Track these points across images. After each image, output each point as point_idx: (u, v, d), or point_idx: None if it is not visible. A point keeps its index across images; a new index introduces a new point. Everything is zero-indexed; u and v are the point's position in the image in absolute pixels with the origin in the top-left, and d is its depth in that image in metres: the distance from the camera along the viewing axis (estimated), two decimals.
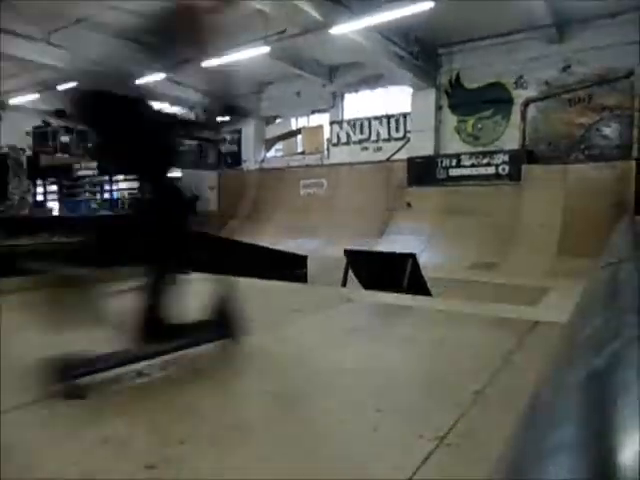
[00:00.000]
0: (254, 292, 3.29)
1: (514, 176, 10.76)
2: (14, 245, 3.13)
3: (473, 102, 11.94)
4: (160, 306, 1.59)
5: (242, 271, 3.82)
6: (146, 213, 1.90)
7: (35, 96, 14.13)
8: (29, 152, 14.74)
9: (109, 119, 1.74)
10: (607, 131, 10.35)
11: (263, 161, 16.17)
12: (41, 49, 10.72)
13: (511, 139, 11.45)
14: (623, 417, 0.22)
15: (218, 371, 1.61)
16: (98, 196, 14.10)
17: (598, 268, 0.69)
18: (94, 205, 13.63)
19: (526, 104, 11.28)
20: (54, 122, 15.16)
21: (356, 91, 14.29)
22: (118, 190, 14.28)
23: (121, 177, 13.87)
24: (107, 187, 14.23)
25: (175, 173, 14.50)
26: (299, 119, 15.90)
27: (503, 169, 11.06)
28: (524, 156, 10.97)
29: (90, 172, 13.82)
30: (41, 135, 14.84)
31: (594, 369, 0.28)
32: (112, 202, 14.00)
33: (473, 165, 11.50)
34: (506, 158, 11.06)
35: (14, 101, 14.53)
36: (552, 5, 9.18)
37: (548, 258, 8.30)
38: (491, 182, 11.04)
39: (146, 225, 1.82)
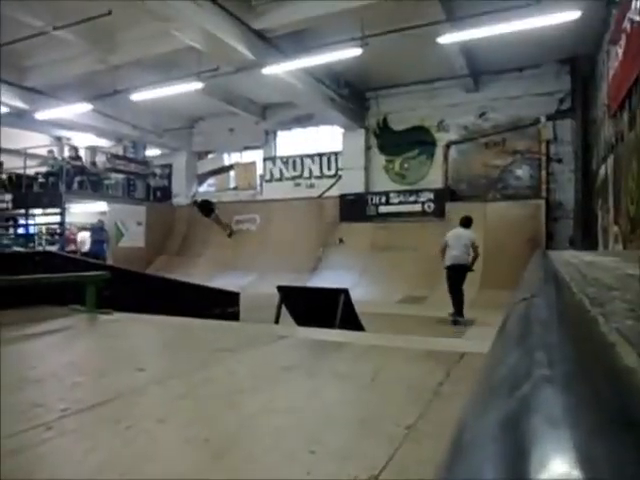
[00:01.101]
0: (181, 331, 3.15)
1: (438, 213, 11.37)
2: None
3: (400, 143, 12.61)
4: None
5: (170, 310, 3.65)
6: None
7: None
8: None
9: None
10: (519, 172, 11.31)
11: (195, 196, 15.88)
12: None
13: (435, 178, 12.15)
14: (534, 470, 0.21)
15: (140, 420, 1.49)
16: (10, 231, 13.04)
17: (513, 303, 0.73)
18: (6, 241, 12.59)
19: (448, 146, 12.09)
20: None
21: (289, 129, 14.60)
22: (35, 225, 13.32)
23: (39, 211, 13.00)
24: (22, 221, 13.23)
25: (100, 207, 13.86)
26: (232, 155, 15.91)
27: (428, 206, 11.65)
28: (447, 194, 11.66)
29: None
30: None
31: (507, 415, 0.28)
32: (27, 237, 13.01)
33: (401, 202, 12.02)
34: (431, 196, 11.69)
35: None
36: (468, 57, 10.07)
37: (472, 291, 8.71)
38: (417, 219, 11.57)
39: None
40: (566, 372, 0.33)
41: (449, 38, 7.99)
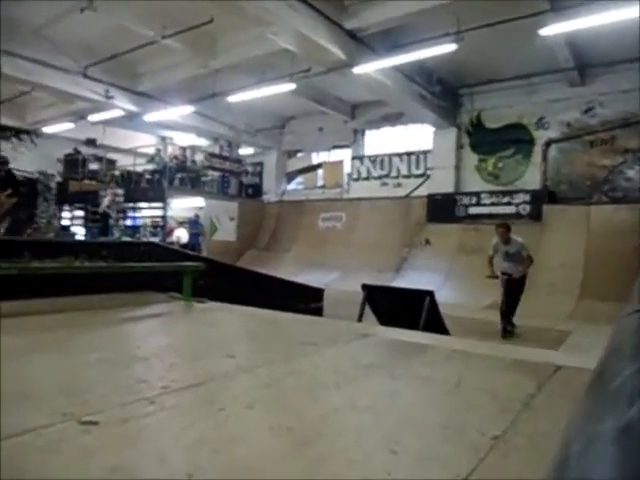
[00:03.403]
0: (268, 323, 3.28)
1: (535, 216, 10.67)
2: (38, 267, 3.20)
3: (494, 142, 12.01)
4: None
5: (258, 302, 3.82)
6: None
7: (69, 125, 14.71)
8: (59, 178, 15.23)
9: None
10: (631, 173, 10.25)
11: (284, 193, 16.39)
12: (76, 81, 11.21)
13: (532, 179, 11.42)
14: None
15: (231, 403, 1.59)
16: (121, 222, 14.38)
17: (625, 315, 0.67)
18: (117, 232, 13.90)
19: (547, 145, 11.30)
20: (84, 150, 15.70)
21: (377, 128, 14.53)
22: (141, 217, 14.56)
23: (145, 205, 14.18)
24: (130, 214, 14.52)
25: (197, 202, 14.81)
26: (320, 154, 16.18)
27: (524, 208, 10.98)
28: (545, 196, 10.90)
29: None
30: (71, 162, 15.36)
31: (628, 421, 0.27)
32: (134, 228, 14.27)
33: (493, 204, 11.45)
34: (527, 198, 11.00)
35: (48, 129, 15.15)
36: (574, 49, 9.31)
37: (570, 300, 8.11)
38: (511, 221, 10.94)
39: None
40: None
41: (553, 29, 7.46)
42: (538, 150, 11.42)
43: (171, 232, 13.98)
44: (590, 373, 0.62)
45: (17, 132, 14.45)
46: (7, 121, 14.54)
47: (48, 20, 9.79)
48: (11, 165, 11.48)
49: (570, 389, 1.90)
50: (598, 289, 7.96)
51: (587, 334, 5.72)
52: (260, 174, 17.19)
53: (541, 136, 11.40)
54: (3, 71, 9.98)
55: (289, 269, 11.44)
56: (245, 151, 17.51)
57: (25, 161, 14.39)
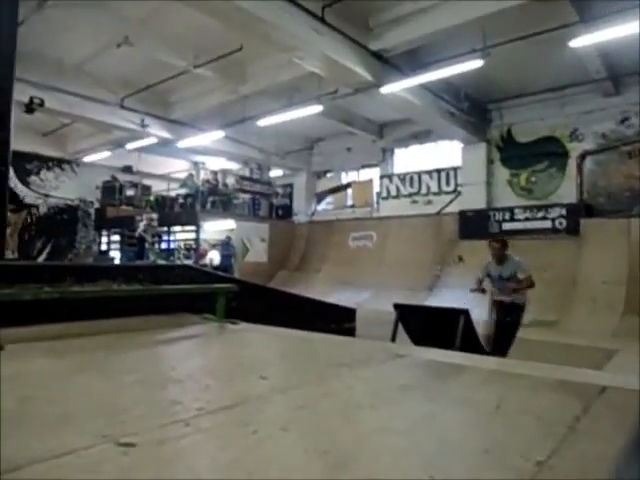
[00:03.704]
0: (300, 344, 3.27)
1: (572, 230, 10.36)
2: (78, 291, 3.31)
3: (526, 156, 11.82)
4: None
5: (290, 322, 3.82)
6: None
7: (106, 154, 15.33)
8: (97, 205, 15.84)
9: None
10: None
11: (314, 214, 16.48)
12: (114, 112, 11.72)
13: (567, 192, 11.14)
14: None
15: (265, 425, 1.58)
16: (156, 246, 14.75)
17: None
18: (152, 255, 14.25)
19: (582, 157, 11.03)
20: (121, 177, 16.31)
21: (406, 146, 14.53)
22: (175, 240, 14.90)
23: (178, 228, 14.53)
24: (165, 237, 14.89)
25: (228, 224, 15.07)
26: (349, 173, 16.26)
27: (560, 223, 10.68)
28: (582, 209, 10.58)
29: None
30: (109, 189, 15.95)
31: None
32: (168, 252, 14.60)
33: (527, 219, 11.19)
34: (563, 212, 10.70)
35: (87, 159, 15.83)
36: (606, 59, 9.13)
37: (614, 317, 7.77)
38: (547, 236, 10.65)
39: None
40: None
41: (583, 41, 7.35)
42: (573, 163, 11.15)
43: (204, 254, 14.24)
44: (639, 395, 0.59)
45: (59, 162, 15.18)
46: (50, 152, 15.33)
47: (88, 56, 10.35)
48: (54, 193, 12.18)
49: (617, 412, 1.81)
50: None
51: (633, 353, 5.45)
52: (290, 195, 17.39)
53: (575, 148, 11.14)
54: (48, 106, 10.55)
55: (320, 289, 11.43)
56: (275, 173, 17.80)
57: (66, 189, 15.05)
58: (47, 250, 14.30)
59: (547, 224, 10.83)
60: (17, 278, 3.20)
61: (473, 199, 12.29)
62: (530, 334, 7.39)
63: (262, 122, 11.68)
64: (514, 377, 2.38)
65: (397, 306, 5.19)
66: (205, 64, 9.84)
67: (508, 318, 5.48)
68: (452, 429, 1.65)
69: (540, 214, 11.00)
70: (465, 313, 4.61)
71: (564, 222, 10.60)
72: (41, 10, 7.76)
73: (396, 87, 8.99)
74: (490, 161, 12.38)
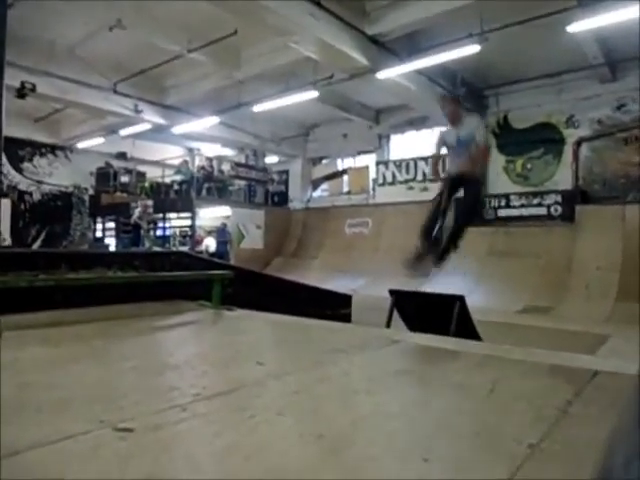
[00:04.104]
0: (296, 330, 3.29)
1: (567, 217, 10.40)
2: (74, 278, 3.30)
3: (522, 142, 11.80)
4: None
5: (285, 308, 3.84)
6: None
7: (100, 140, 15.18)
8: (91, 191, 15.73)
9: None
10: None
11: (309, 200, 16.44)
12: (107, 97, 11.58)
13: (563, 179, 11.15)
14: None
15: (262, 410, 1.59)
16: (151, 233, 14.71)
17: None
18: (147, 242, 14.22)
19: (578, 143, 11.03)
20: (115, 164, 16.18)
21: (402, 132, 14.47)
22: (171, 227, 14.86)
23: (174, 215, 14.47)
24: (160, 224, 14.84)
25: (224, 211, 15.02)
26: (345, 160, 16.19)
27: (555, 210, 10.72)
28: (578, 196, 10.62)
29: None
30: (103, 175, 15.84)
31: None
32: (164, 238, 14.57)
33: (523, 205, 11.22)
34: (559, 198, 10.73)
35: (81, 145, 15.67)
36: (603, 45, 9.08)
37: (607, 303, 7.84)
38: (542, 223, 10.69)
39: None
40: None
41: (581, 25, 7.30)
42: (569, 149, 11.14)
43: (200, 241, 14.21)
44: (630, 379, 0.60)
45: (53, 148, 15.02)
46: (43, 138, 15.14)
47: (80, 39, 10.18)
48: (48, 180, 12.12)
49: (609, 395, 1.83)
50: (636, 291, 7.67)
51: (626, 338, 5.52)
52: (286, 182, 17.33)
53: (571, 135, 11.13)
54: (40, 91, 10.40)
55: (316, 275, 11.46)
56: (270, 159, 17.70)
57: (60, 176, 14.91)
58: (41, 237, 14.23)
59: (542, 211, 10.87)
60: (12, 265, 3.19)
61: None
62: (524, 320, 7.47)
63: (257, 108, 11.58)
64: (508, 362, 2.40)
65: (392, 292, 5.22)
66: (199, 48, 9.71)
67: (468, 194, 4.76)
68: (446, 413, 1.67)
69: (535, 201, 11.03)
70: (460, 299, 4.64)
71: (559, 209, 10.64)
72: None
73: (392, 72, 8.92)
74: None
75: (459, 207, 4.95)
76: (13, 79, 9.37)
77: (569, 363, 2.37)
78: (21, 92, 10.14)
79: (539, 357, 2.53)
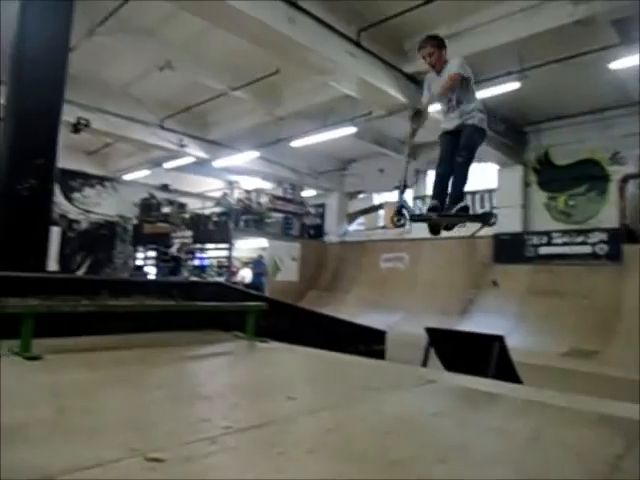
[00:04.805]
0: (329, 365, 3.24)
1: (613, 256, 9.97)
2: (114, 305, 3.39)
3: (564, 179, 11.53)
4: None
5: (319, 342, 3.80)
6: None
7: (145, 172, 15.86)
8: (135, 221, 16.33)
9: None
10: None
11: (345, 234, 16.48)
12: (154, 132, 12.15)
13: (608, 217, 10.77)
14: None
15: (291, 447, 1.56)
16: (189, 263, 15.03)
17: None
18: (185, 271, 14.53)
19: (624, 180, 10.67)
20: (159, 195, 16.80)
21: None
22: (208, 258, 15.15)
23: (212, 246, 14.79)
24: (198, 254, 15.16)
25: (261, 243, 15.23)
26: (381, 194, 16.22)
27: (601, 248, 10.30)
28: (625, 235, 10.19)
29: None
30: (147, 206, 16.44)
31: None
32: (201, 268, 14.85)
33: (566, 243, 10.85)
34: (604, 237, 10.33)
35: (127, 177, 16.40)
36: None
37: None
38: (587, 262, 10.28)
39: None
40: None
41: (624, 62, 7.18)
42: (613, 186, 10.79)
43: (236, 272, 14.40)
44: None
45: (101, 180, 15.79)
46: (92, 170, 15.96)
47: (132, 79, 10.82)
48: (95, 209, 12.68)
49: None
50: None
51: None
52: (322, 215, 17.48)
53: (617, 172, 10.80)
54: (94, 126, 11.06)
55: (350, 310, 11.34)
56: (308, 193, 17.95)
57: (107, 206, 15.59)
58: (86, 264, 14.79)
59: (587, 249, 10.46)
60: (57, 290, 3.32)
61: (508, 222, 12.01)
62: (568, 364, 7.10)
63: (296, 143, 11.87)
64: (552, 409, 2.27)
65: (429, 330, 5.09)
66: (242, 87, 10.12)
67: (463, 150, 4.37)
68: (487, 460, 1.58)
69: (579, 239, 10.65)
70: (500, 339, 4.47)
71: (605, 247, 10.22)
72: (90, 37, 8.19)
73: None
74: (526, 184, 12.13)
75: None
76: (69, 115, 10.01)
77: (618, 412, 2.22)
78: (76, 127, 10.81)
79: (585, 405, 2.38)
